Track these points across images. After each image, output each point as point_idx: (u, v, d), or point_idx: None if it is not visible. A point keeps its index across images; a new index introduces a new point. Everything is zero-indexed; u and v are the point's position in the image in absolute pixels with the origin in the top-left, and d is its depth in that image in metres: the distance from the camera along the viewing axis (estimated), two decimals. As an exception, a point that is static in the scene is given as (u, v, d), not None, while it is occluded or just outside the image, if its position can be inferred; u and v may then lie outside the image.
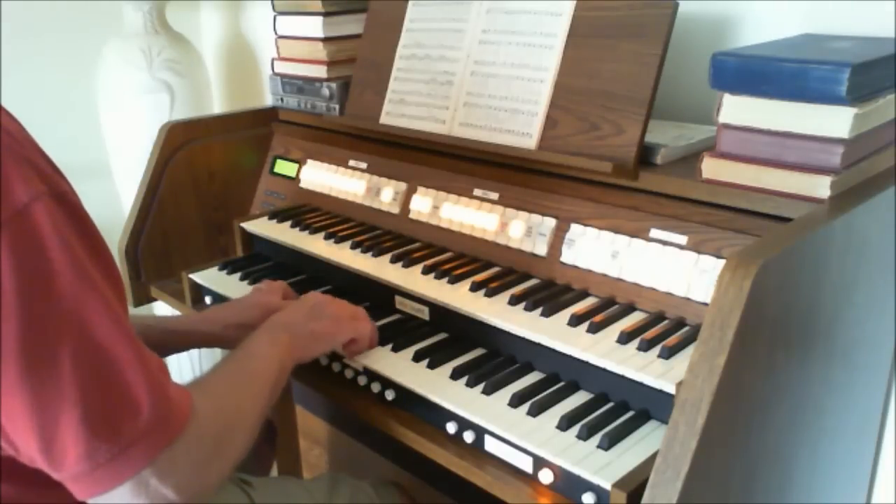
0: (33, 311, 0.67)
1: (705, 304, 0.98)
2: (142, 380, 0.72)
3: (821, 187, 0.92)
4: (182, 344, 1.18)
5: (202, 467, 0.78)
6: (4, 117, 0.73)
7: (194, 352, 2.26)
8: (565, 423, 0.91)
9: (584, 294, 1.10)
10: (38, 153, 0.73)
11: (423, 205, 1.33)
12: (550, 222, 1.17)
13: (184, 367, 2.29)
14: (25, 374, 0.67)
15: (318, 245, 1.35)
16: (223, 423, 0.82)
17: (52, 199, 0.69)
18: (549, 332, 1.02)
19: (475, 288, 1.13)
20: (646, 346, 0.95)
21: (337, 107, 1.52)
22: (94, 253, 0.73)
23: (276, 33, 1.61)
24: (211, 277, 1.40)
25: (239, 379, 0.91)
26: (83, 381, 0.69)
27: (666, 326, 1.00)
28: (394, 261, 1.25)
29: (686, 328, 0.99)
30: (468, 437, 0.95)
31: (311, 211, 1.51)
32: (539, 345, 1.02)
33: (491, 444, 0.93)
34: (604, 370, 0.95)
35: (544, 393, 0.98)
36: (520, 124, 1.21)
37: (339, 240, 1.35)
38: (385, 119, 1.41)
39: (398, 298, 1.21)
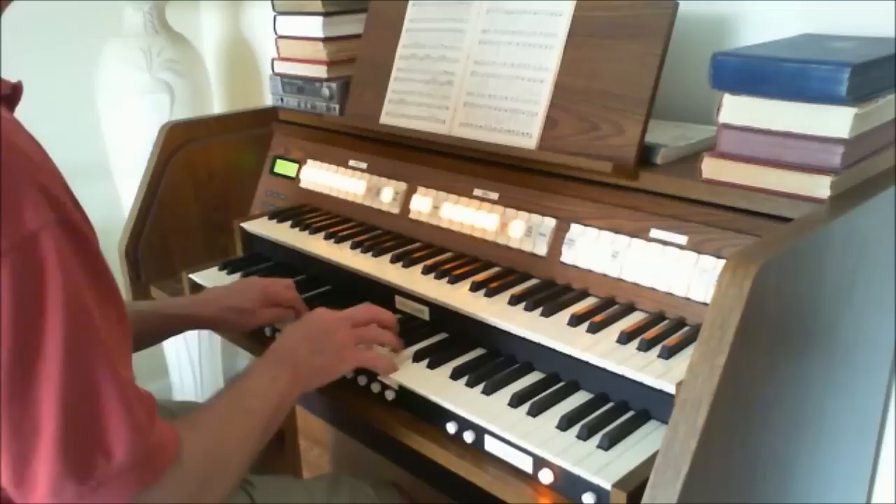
0: (24, 340, 0.67)
1: (705, 304, 0.98)
2: (121, 423, 0.71)
3: (821, 187, 0.92)
4: (181, 327, 1.18)
5: None
6: (23, 136, 0.72)
7: (195, 355, 2.26)
8: (565, 423, 0.91)
9: (584, 294, 1.10)
10: (55, 179, 0.72)
11: (423, 205, 1.33)
12: (550, 222, 1.16)
13: (184, 369, 2.29)
14: (8, 402, 0.67)
15: (318, 245, 1.35)
16: (208, 467, 0.81)
17: (60, 227, 0.68)
18: (549, 332, 1.02)
19: (475, 288, 1.13)
20: (646, 346, 0.95)
21: (337, 107, 1.52)
22: (95, 283, 0.72)
23: (276, 33, 1.61)
24: (211, 277, 1.39)
25: (233, 418, 0.89)
26: (62, 417, 0.68)
27: (666, 326, 1.00)
28: (394, 261, 1.25)
29: (686, 328, 0.99)
30: (468, 437, 0.95)
31: (311, 211, 1.51)
32: (539, 345, 1.02)
33: (491, 444, 0.93)
34: (604, 370, 0.95)
35: (544, 393, 0.98)
36: (520, 124, 1.21)
37: (339, 240, 1.35)
38: (385, 119, 1.41)
39: (398, 298, 1.21)
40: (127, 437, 0.71)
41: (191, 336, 2.21)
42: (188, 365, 2.28)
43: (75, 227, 0.71)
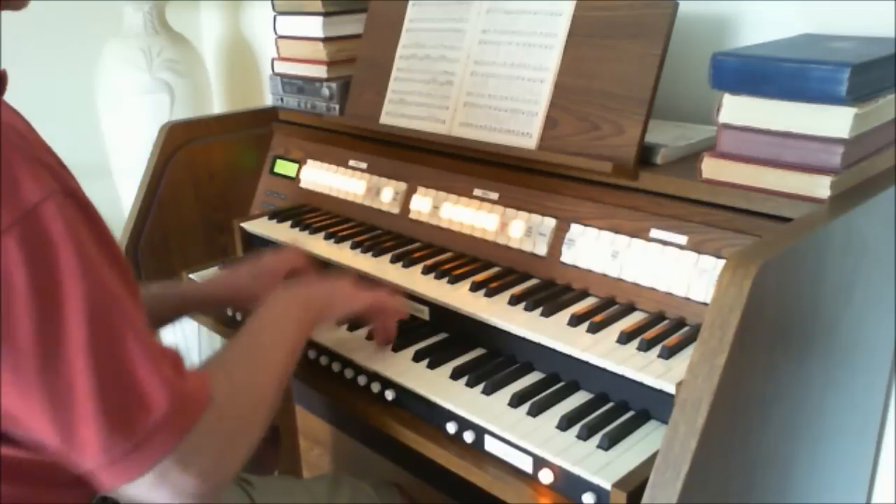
0: (47, 309, 0.68)
1: (705, 304, 0.98)
2: (153, 375, 0.72)
3: (821, 187, 0.92)
4: (198, 309, 1.22)
5: (224, 449, 0.79)
6: (13, 116, 0.73)
7: (194, 354, 2.26)
8: (565, 423, 0.92)
9: (584, 294, 1.10)
10: (47, 152, 0.73)
11: (423, 205, 1.33)
12: (550, 222, 1.17)
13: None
14: (41, 371, 0.68)
15: (318, 245, 1.35)
16: (243, 402, 0.83)
17: (64, 197, 0.69)
18: (549, 332, 1.02)
19: (475, 288, 1.13)
20: (646, 346, 0.95)
21: (337, 107, 1.52)
22: (104, 249, 0.73)
23: (276, 33, 1.61)
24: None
25: (256, 351, 0.90)
26: (96, 378, 0.69)
27: (666, 326, 1.00)
28: (394, 261, 1.25)
29: (686, 328, 0.99)
30: (468, 437, 0.95)
31: (311, 211, 1.51)
32: (539, 345, 1.02)
33: (491, 444, 0.93)
34: (604, 370, 0.95)
35: (544, 393, 0.98)
36: (520, 124, 1.21)
37: (339, 240, 1.35)
38: (385, 119, 1.41)
39: (398, 298, 1.21)
40: (161, 387, 0.72)
41: (191, 333, 2.21)
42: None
43: (78, 196, 0.72)
